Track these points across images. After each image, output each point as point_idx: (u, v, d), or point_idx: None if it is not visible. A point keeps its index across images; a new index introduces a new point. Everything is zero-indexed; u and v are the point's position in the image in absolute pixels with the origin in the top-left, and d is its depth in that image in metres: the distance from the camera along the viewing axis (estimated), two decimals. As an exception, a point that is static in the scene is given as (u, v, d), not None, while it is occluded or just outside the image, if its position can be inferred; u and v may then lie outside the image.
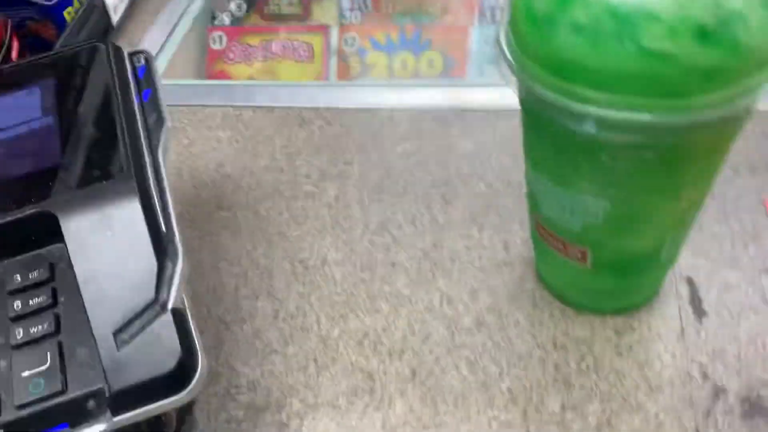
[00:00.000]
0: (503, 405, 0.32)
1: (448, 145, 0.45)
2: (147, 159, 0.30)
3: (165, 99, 0.33)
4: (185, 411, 0.33)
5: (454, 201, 0.42)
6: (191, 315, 0.27)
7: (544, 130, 0.27)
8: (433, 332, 0.36)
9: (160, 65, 0.56)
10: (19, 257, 0.29)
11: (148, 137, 0.31)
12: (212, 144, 0.48)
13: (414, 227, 0.41)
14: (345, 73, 0.58)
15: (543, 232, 0.32)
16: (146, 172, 0.29)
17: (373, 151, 0.46)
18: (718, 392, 0.32)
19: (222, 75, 0.60)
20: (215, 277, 0.40)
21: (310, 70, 0.59)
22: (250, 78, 0.59)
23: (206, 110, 0.50)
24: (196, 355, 0.26)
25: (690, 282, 0.36)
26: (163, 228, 0.28)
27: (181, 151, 0.47)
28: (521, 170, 0.32)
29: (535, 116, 0.27)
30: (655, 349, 0.34)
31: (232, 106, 0.50)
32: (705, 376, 0.32)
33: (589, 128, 0.23)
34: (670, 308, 0.35)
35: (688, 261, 0.37)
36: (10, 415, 0.25)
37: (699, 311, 0.35)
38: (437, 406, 0.33)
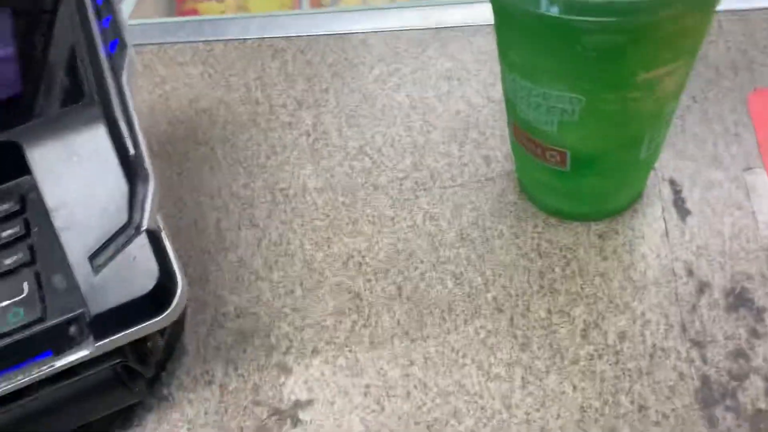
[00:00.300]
0: (489, 314, 0.32)
1: (425, 65, 0.44)
2: (111, 84, 0.29)
3: (126, 24, 0.32)
4: (173, 339, 0.33)
5: (433, 121, 0.41)
6: (167, 236, 0.27)
7: (515, 24, 0.26)
8: (417, 250, 0.35)
9: (128, 6, 0.55)
10: (-13, 192, 0.28)
11: (111, 63, 0.30)
12: (184, 80, 0.47)
13: (394, 149, 0.40)
14: (317, 3, 0.57)
15: (521, 137, 0.31)
16: (110, 97, 0.28)
17: (348, 77, 0.45)
18: (703, 287, 0.32)
19: (193, 14, 0.59)
20: (197, 211, 0.40)
21: (282, 2, 0.57)
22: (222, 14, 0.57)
23: (176, 47, 0.49)
24: (175, 275, 0.26)
25: (673, 183, 0.36)
26: (132, 152, 0.27)
27: (153, 90, 0.46)
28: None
29: (505, 11, 0.26)
30: (639, 250, 0.33)
31: (202, 41, 0.49)
32: (690, 272, 0.32)
33: (555, 11, 0.22)
34: (653, 210, 0.35)
35: (670, 163, 0.36)
36: (-2, 343, 0.25)
37: (682, 211, 0.35)
38: (424, 319, 0.33)
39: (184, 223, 0.39)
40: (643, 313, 0.31)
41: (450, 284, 0.34)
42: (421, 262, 0.35)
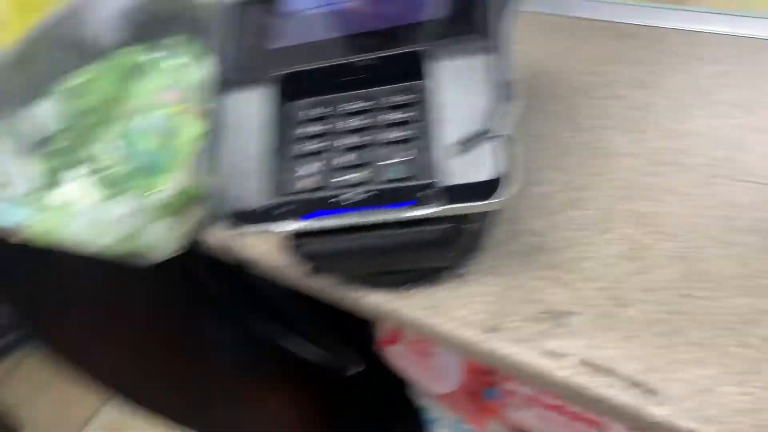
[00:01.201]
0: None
1: (764, 72, 0.46)
2: (499, 22, 0.38)
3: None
4: (480, 233, 0.41)
5: (758, 113, 0.44)
6: (517, 146, 0.35)
7: None
8: (711, 225, 0.39)
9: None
10: (396, 85, 0.39)
11: (505, 9, 0.39)
12: (539, 44, 0.55)
13: (710, 137, 0.44)
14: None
15: None
16: (500, 34, 0.37)
17: (685, 69, 0.49)
18: None
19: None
20: (522, 149, 0.48)
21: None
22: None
23: (540, 17, 0.57)
24: (513, 174, 0.34)
25: None
26: (505, 77, 0.36)
27: (510, 46, 0.55)
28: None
29: None
30: None
31: (558, 16, 0.56)
32: None
33: None
34: None
35: None
36: (382, 185, 0.36)
37: None
38: (699, 283, 0.37)
39: (507, 155, 0.47)
40: None
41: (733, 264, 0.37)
42: (709, 238, 0.39)
